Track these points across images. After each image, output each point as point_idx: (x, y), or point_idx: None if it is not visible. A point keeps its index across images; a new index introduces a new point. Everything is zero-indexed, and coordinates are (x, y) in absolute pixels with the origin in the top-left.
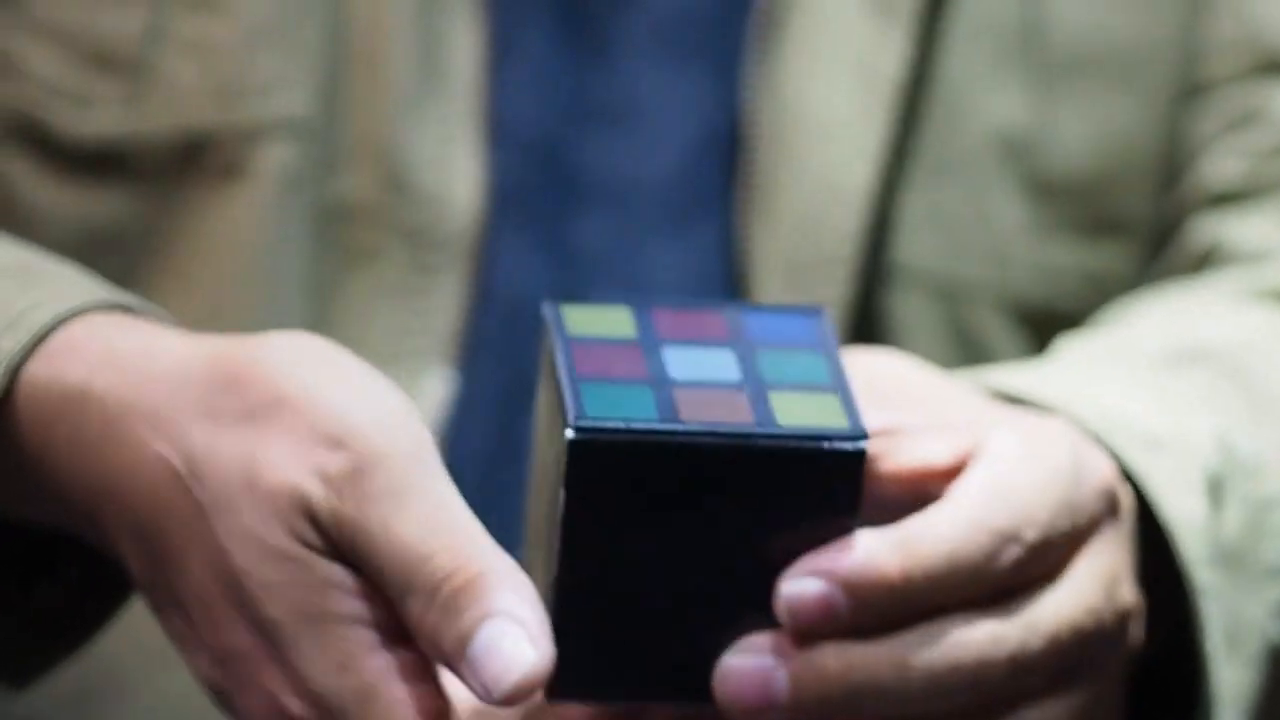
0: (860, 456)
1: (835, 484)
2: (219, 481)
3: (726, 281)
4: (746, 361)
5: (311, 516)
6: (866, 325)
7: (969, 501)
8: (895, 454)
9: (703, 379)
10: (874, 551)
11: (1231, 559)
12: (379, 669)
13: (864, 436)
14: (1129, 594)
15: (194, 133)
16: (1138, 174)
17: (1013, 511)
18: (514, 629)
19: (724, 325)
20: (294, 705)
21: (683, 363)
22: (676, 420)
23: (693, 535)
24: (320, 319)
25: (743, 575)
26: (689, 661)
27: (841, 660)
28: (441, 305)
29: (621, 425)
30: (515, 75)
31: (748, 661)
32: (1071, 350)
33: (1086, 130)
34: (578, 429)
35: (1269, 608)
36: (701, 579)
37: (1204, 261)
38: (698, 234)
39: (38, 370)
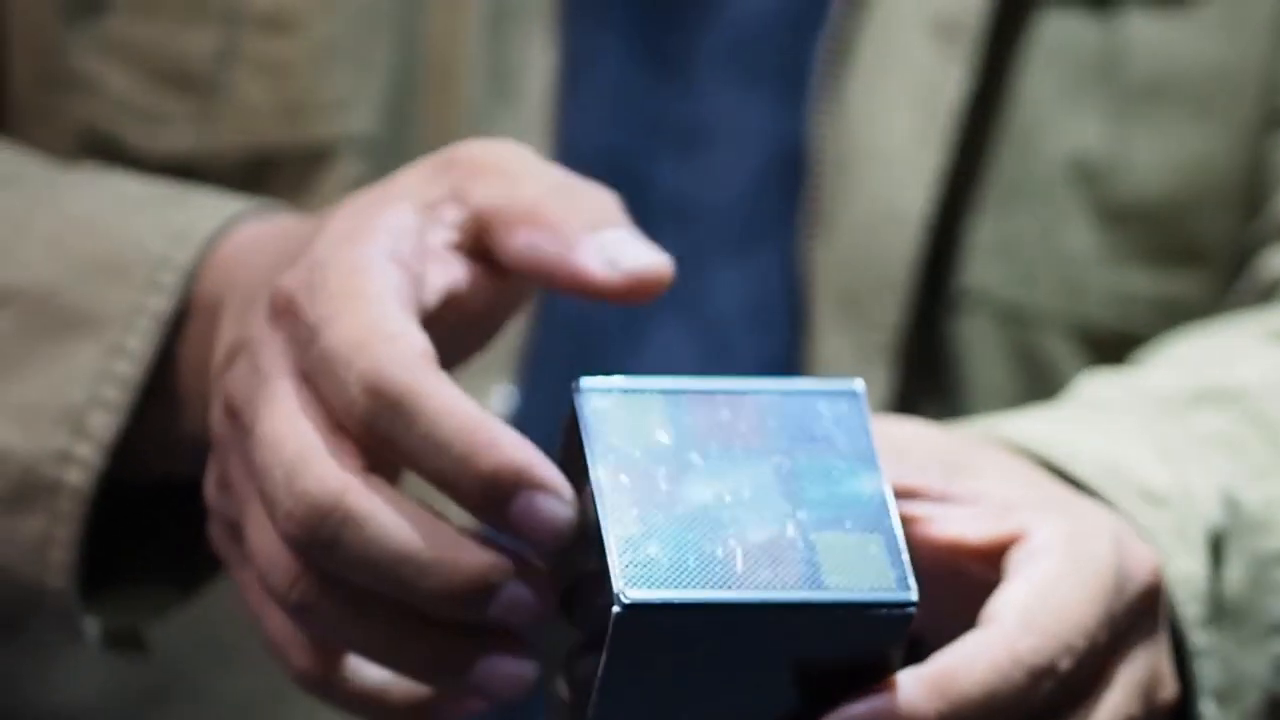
0: (908, 619)
1: (881, 639)
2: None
3: (787, 305)
4: (789, 486)
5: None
6: (928, 348)
7: (1007, 633)
8: (929, 524)
9: (745, 519)
10: (910, 696)
11: (1232, 615)
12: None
13: (912, 603)
14: (1169, 690)
15: (263, 150)
16: (1215, 201)
17: (1051, 644)
18: (645, 243)
19: (759, 422)
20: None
21: (723, 489)
22: (723, 584)
23: (732, 680)
24: None
25: (781, 713)
26: None
27: None
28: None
29: (667, 599)
30: (587, 94)
31: None
32: (1087, 393)
33: (1163, 156)
34: (625, 606)
35: (1270, 662)
36: (737, 717)
37: (1270, 293)
38: (760, 257)
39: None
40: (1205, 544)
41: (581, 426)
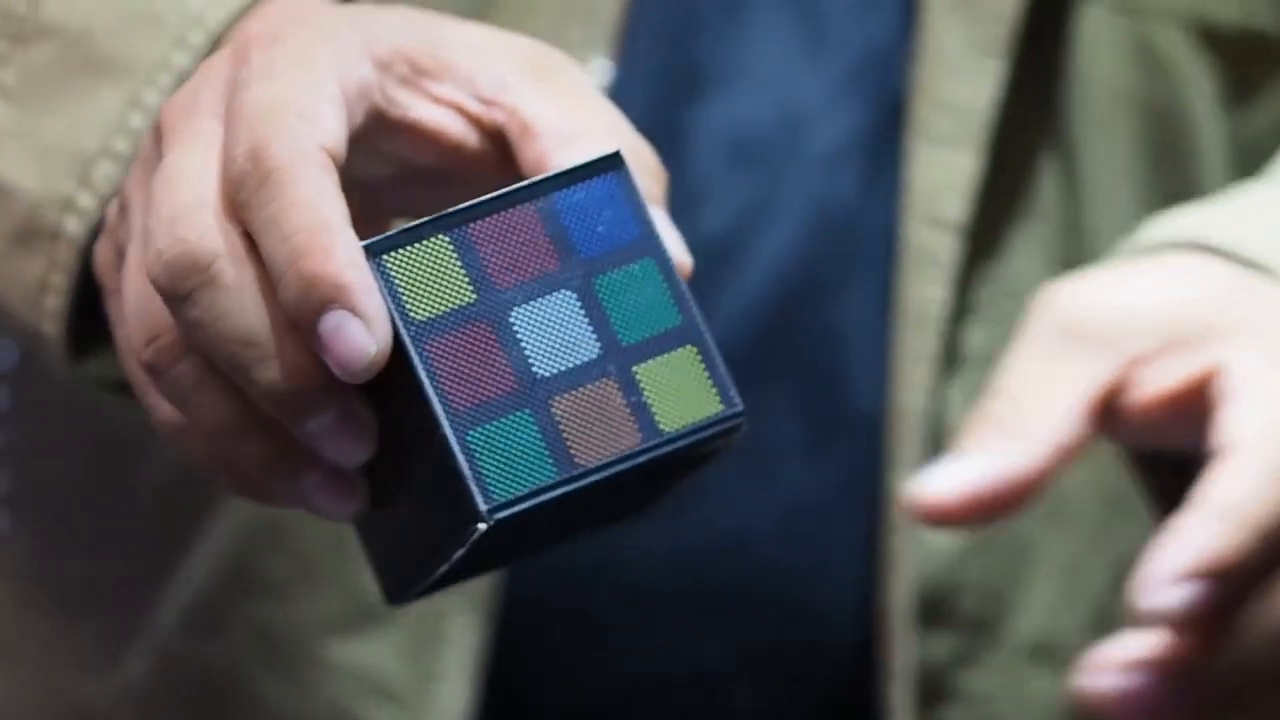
0: (739, 428)
1: (716, 449)
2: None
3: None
4: (592, 311)
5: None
6: (1041, 40)
7: (1259, 450)
8: (1133, 391)
9: (567, 367)
10: (1205, 537)
11: None
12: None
13: (741, 414)
14: None
15: None
16: None
17: None
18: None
19: (547, 235)
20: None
21: (536, 337)
22: (572, 465)
23: (579, 517)
24: (485, 6)
25: (623, 512)
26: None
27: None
28: None
29: (527, 504)
30: None
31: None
32: None
33: None
34: (492, 522)
35: None
36: (582, 528)
37: None
38: None
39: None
40: None
41: (384, 294)
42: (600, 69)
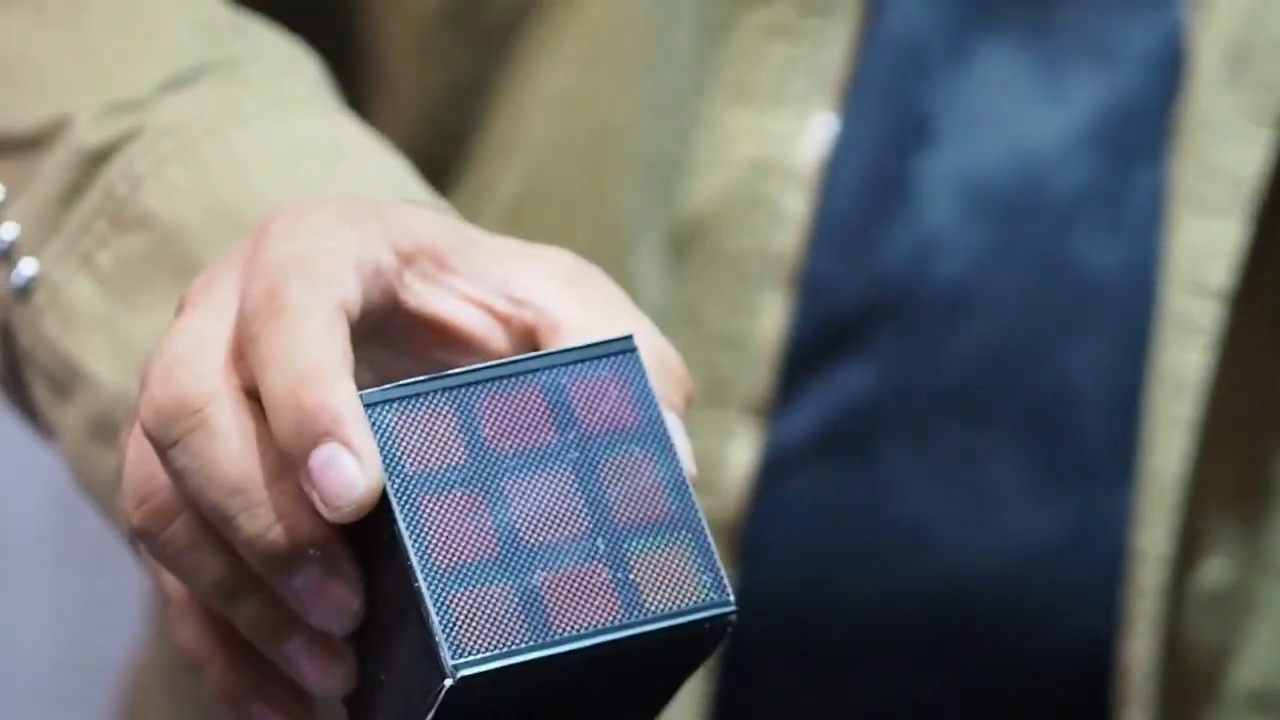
0: (728, 625)
1: (705, 645)
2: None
3: (1154, 48)
4: (590, 489)
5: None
6: None
7: None
8: None
9: (555, 541)
10: None
11: None
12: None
13: (731, 604)
14: None
15: None
16: None
17: None
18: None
19: (548, 409)
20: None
21: (527, 505)
22: (549, 632)
23: (556, 705)
24: (709, 58)
25: (603, 709)
26: None
27: None
28: (831, 47)
29: (497, 664)
30: None
31: None
32: None
33: None
34: (457, 680)
35: None
36: None
37: None
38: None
39: None
40: None
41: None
42: (823, 123)
